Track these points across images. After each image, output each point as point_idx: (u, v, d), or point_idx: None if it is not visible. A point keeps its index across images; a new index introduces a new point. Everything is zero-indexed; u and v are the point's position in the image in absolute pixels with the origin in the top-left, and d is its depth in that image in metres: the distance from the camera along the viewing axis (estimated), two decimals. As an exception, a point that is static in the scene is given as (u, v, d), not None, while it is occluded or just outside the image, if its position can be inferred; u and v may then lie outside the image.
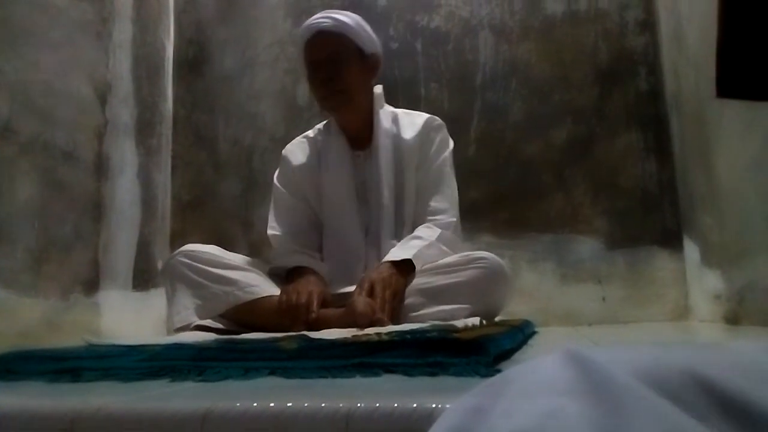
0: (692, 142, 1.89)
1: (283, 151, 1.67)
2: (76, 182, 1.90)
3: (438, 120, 1.62)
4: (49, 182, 1.79)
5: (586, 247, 2.12)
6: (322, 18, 1.51)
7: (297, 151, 1.65)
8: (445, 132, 1.62)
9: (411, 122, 1.60)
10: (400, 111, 1.64)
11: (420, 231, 1.49)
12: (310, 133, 1.68)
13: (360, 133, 1.58)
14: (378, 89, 1.61)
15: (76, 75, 1.95)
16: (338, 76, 1.48)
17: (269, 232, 1.59)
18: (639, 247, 2.09)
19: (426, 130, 1.58)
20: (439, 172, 1.57)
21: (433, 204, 1.54)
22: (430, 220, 1.51)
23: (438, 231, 1.48)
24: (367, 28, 1.56)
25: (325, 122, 1.67)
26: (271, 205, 1.64)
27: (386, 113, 1.60)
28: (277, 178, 1.65)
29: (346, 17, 1.52)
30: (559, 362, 0.25)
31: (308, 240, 1.58)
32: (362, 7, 2.34)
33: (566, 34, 2.25)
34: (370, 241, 1.53)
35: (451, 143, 1.63)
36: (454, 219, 1.55)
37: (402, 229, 1.53)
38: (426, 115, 1.62)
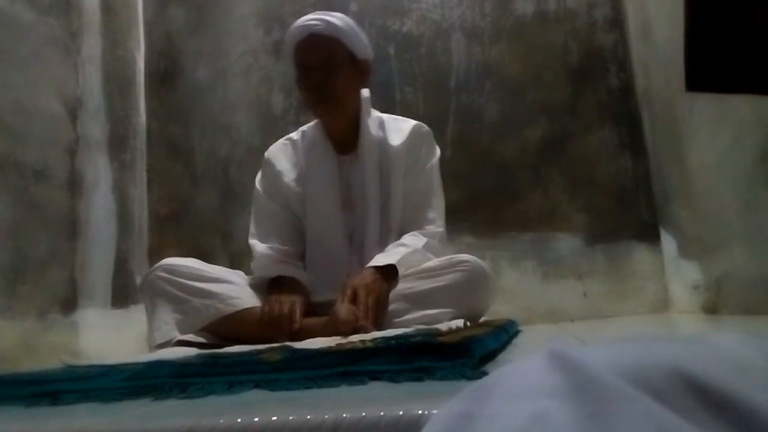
0: (664, 136, 1.92)
1: (266, 154, 1.63)
2: (49, 200, 1.87)
3: (425, 127, 1.60)
4: (21, 201, 1.75)
5: (566, 244, 2.14)
6: (315, 20, 1.46)
7: (280, 154, 1.61)
8: (432, 140, 1.61)
9: (398, 128, 1.57)
10: (386, 116, 1.61)
11: (406, 239, 1.48)
12: (294, 135, 1.64)
13: (346, 138, 1.55)
14: (365, 93, 1.57)
15: (46, 92, 1.92)
16: (330, 82, 1.45)
17: (250, 240, 1.56)
18: (617, 241, 2.11)
19: (413, 137, 1.56)
20: (426, 182, 1.56)
21: (421, 214, 1.53)
22: (417, 230, 1.50)
23: (424, 240, 1.47)
24: (360, 32, 1.53)
25: (309, 125, 1.63)
26: (252, 211, 1.60)
27: (373, 118, 1.57)
28: (259, 182, 1.61)
29: (339, 21, 1.48)
30: (544, 363, 0.25)
31: (290, 247, 1.54)
32: (334, 11, 2.34)
33: (537, 34, 2.27)
34: (355, 249, 1.51)
35: (438, 151, 1.62)
36: (441, 229, 1.54)
37: (388, 237, 1.51)
38: (413, 122, 1.60)
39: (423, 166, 1.56)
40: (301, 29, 1.47)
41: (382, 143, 1.54)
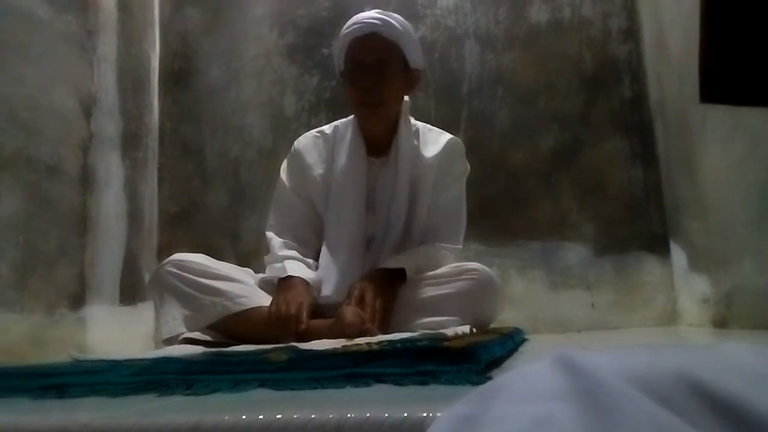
0: (676, 147, 1.91)
1: (296, 144, 1.60)
2: (61, 196, 1.88)
3: (460, 143, 1.60)
4: (33, 196, 1.77)
5: (575, 253, 2.13)
6: (378, 20, 1.44)
7: (310, 146, 1.58)
8: (464, 156, 1.60)
9: (433, 140, 1.57)
10: (422, 125, 1.60)
11: (423, 247, 1.48)
12: (326, 129, 1.61)
13: (380, 141, 1.53)
14: (406, 98, 1.55)
15: (61, 88, 1.94)
16: (380, 88, 1.43)
17: (267, 232, 1.55)
18: (627, 252, 2.10)
19: (447, 151, 1.55)
20: (452, 197, 1.55)
21: (442, 228, 1.52)
22: (436, 243, 1.50)
23: (441, 251, 1.47)
24: (416, 40, 1.52)
25: (342, 120, 1.60)
26: (273, 202, 1.59)
27: (410, 126, 1.56)
28: (285, 173, 1.58)
29: (400, 25, 1.46)
30: (550, 368, 0.25)
31: (306, 243, 1.53)
32: (349, 16, 2.35)
33: (551, 42, 2.27)
34: (371, 253, 1.49)
35: (468, 168, 1.61)
36: (459, 247, 1.54)
37: (408, 245, 1.50)
38: (448, 136, 1.59)
39: (452, 181, 1.56)
40: (363, 26, 1.45)
41: (415, 152, 1.53)
